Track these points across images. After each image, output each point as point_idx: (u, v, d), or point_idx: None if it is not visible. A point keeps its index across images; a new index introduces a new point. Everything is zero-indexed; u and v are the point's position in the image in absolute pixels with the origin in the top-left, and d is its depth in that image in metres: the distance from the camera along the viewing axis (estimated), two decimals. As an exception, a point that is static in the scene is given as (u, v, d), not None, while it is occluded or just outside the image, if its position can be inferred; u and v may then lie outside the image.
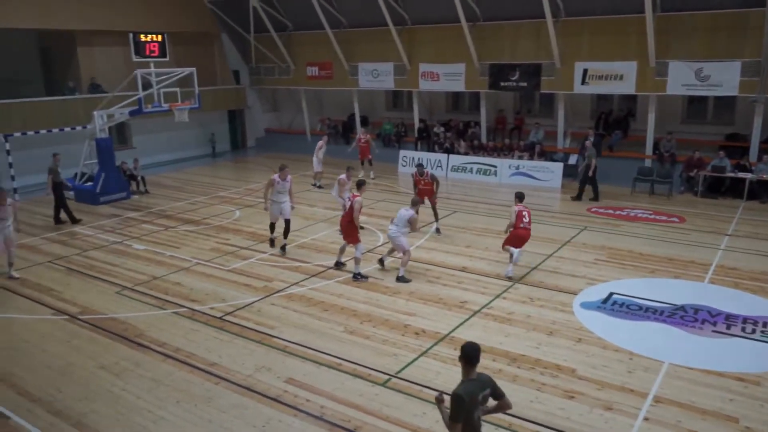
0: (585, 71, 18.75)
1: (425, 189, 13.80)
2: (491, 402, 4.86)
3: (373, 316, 9.51)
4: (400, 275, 10.96)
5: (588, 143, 17.14)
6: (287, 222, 12.74)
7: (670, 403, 7.00)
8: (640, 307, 9.63)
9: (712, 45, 16.86)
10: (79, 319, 9.63)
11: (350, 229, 11.13)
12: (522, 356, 8.13)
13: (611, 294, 10.18)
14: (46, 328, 9.37)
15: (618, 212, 15.61)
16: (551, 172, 19.03)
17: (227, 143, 27.99)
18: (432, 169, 20.87)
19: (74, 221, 15.51)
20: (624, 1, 17.58)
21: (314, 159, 18.97)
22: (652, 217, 15.15)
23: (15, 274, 11.70)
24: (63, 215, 15.55)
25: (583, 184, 16.84)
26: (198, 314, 9.70)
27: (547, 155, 20.11)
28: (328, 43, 23.56)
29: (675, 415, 6.77)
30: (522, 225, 10.85)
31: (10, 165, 18.42)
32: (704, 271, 11.24)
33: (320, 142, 19.21)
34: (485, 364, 7.83)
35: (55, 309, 10.08)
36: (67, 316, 9.76)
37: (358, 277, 11.07)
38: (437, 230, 13.86)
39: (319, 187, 18.89)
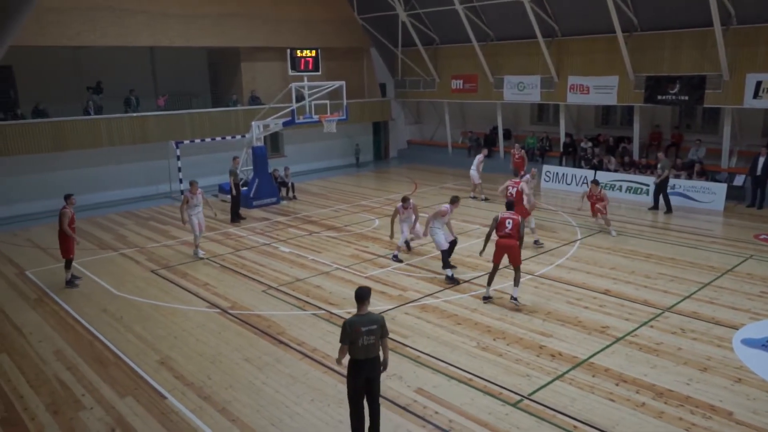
0: (758, 84, 16.96)
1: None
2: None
3: (507, 333, 9.26)
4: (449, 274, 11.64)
5: (661, 155, 17.57)
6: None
7: None
8: (817, 350, 8.48)
9: None
10: (229, 313, 10.39)
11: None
12: (670, 392, 7.48)
13: (780, 332, 9.07)
14: (201, 319, 10.21)
15: (792, 241, 13.92)
16: (712, 193, 17.42)
17: (371, 154, 28.90)
18: (578, 185, 20.07)
19: (239, 218, 17.04)
20: (809, 5, 15.74)
21: (473, 172, 18.94)
22: (836, 248, 13.32)
23: (201, 253, 13.66)
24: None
25: (657, 195, 17.30)
26: (335, 317, 10.04)
27: (708, 175, 18.46)
28: (474, 56, 23.53)
29: None
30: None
31: (179, 169, 20.44)
32: None
33: (480, 156, 19.22)
34: (627, 395, 7.37)
35: (210, 302, 10.96)
36: (219, 310, 10.57)
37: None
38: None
39: (485, 199, 18.80)
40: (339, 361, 6.40)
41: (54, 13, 18.07)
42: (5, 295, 11.67)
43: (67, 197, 11.88)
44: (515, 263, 10.21)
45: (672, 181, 18.19)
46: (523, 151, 20.08)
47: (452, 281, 11.50)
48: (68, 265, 11.92)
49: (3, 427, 7.13)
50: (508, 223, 10.21)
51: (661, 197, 17.23)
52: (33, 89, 19.45)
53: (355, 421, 6.39)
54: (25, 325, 10.14)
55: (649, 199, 18.06)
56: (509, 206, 10.94)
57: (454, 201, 12.14)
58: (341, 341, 6.16)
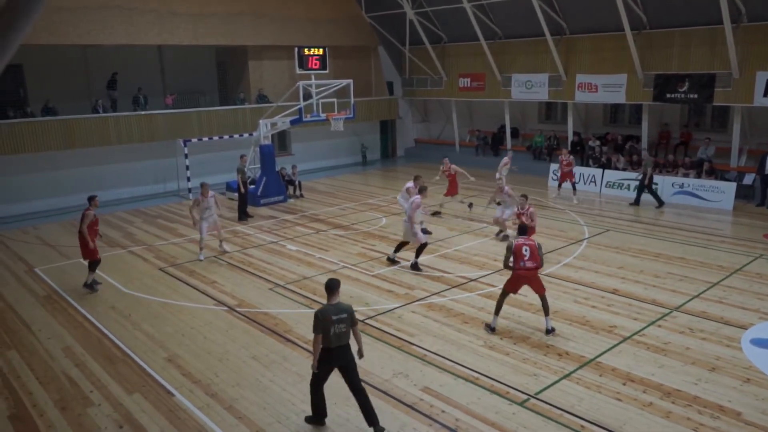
0: (769, 82, 16.87)
1: None
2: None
3: (514, 332, 9.24)
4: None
5: (645, 153, 17.85)
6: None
7: None
8: (827, 351, 8.41)
9: None
10: (236, 311, 10.42)
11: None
12: (678, 391, 7.44)
13: (790, 332, 9.00)
14: (208, 316, 10.25)
15: (802, 240, 13.81)
16: (721, 192, 17.31)
17: (377, 152, 28.88)
18: (585, 184, 19.98)
19: (246, 216, 17.07)
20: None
21: (498, 174, 17.55)
22: None
23: (227, 247, 13.98)
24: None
25: (640, 192, 17.60)
26: (342, 316, 10.03)
27: (717, 174, 18.34)
28: (482, 55, 23.47)
29: None
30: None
31: (187, 167, 20.51)
32: None
33: (504, 159, 18.32)
34: (634, 395, 7.35)
35: (217, 300, 10.99)
36: (226, 308, 10.61)
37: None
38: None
39: (470, 204, 17.37)
40: (315, 360, 6.51)
41: (63, 12, 18.15)
42: (15, 292, 11.75)
43: (91, 199, 11.53)
44: (539, 292, 9.15)
45: (681, 180, 18.12)
46: (571, 156, 18.02)
47: (393, 263, 12.50)
48: (93, 268, 11.58)
49: (12, 423, 7.19)
50: (525, 250, 8.94)
51: (637, 191, 17.70)
52: (42, 87, 19.59)
53: (316, 401, 6.81)
54: (34, 322, 10.21)
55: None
56: (522, 231, 9.51)
57: (422, 190, 12.44)
58: (314, 331, 6.43)
